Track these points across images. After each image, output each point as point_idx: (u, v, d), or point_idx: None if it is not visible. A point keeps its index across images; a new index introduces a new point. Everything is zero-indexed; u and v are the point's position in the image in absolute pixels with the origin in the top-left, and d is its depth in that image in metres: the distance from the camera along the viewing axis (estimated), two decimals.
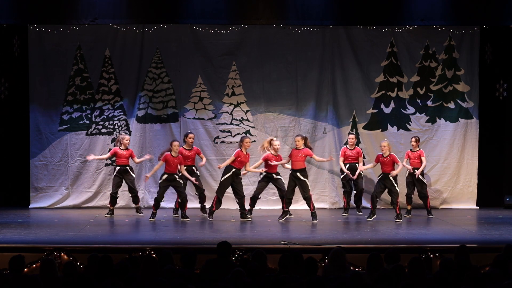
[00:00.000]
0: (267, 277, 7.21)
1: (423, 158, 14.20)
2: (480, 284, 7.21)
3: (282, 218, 13.59)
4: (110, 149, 14.71)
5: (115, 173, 14.10)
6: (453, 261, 7.84)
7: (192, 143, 14.01)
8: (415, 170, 14.13)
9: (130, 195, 14.28)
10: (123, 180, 14.09)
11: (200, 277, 7.81)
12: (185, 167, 13.64)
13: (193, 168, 14.00)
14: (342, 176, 14.49)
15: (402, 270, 7.43)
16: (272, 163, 13.55)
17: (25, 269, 9.01)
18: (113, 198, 14.15)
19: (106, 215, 14.07)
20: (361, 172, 14.28)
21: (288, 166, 13.68)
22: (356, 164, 14.25)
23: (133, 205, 14.37)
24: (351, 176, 14.21)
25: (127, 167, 14.05)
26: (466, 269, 7.74)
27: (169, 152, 13.45)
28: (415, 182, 14.18)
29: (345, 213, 14.43)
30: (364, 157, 14.48)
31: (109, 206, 14.18)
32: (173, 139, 14.08)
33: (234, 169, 13.45)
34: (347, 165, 14.30)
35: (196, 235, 12.02)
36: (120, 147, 14.09)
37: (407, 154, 14.33)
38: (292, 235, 11.94)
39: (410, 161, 14.26)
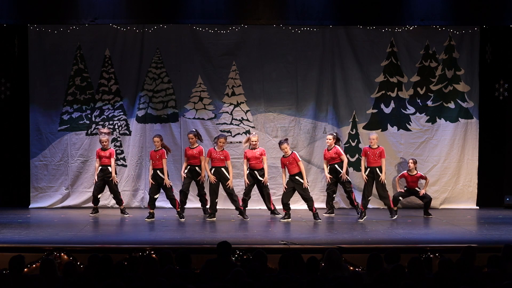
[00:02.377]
0: (267, 277, 7.21)
1: (423, 181, 14.13)
2: (480, 284, 7.21)
3: (285, 219, 13.53)
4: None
5: (96, 173, 13.98)
6: (451, 261, 7.84)
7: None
8: (411, 190, 14.13)
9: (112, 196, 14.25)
10: (104, 180, 13.97)
11: (200, 277, 7.81)
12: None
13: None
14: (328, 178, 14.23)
15: (402, 270, 7.43)
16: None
17: (25, 269, 9.01)
18: (95, 199, 14.10)
19: (90, 214, 14.06)
20: (347, 174, 14.05)
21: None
22: (336, 165, 13.94)
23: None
24: (329, 180, 13.91)
25: (108, 167, 13.91)
26: (466, 269, 7.74)
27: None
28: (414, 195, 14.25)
29: (327, 213, 14.37)
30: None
31: (92, 204, 14.20)
32: (154, 135, 14.03)
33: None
34: (329, 167, 14.00)
35: (196, 235, 12.02)
36: (101, 148, 14.08)
37: (403, 175, 14.23)
38: (292, 235, 11.94)
39: (408, 183, 14.14)
